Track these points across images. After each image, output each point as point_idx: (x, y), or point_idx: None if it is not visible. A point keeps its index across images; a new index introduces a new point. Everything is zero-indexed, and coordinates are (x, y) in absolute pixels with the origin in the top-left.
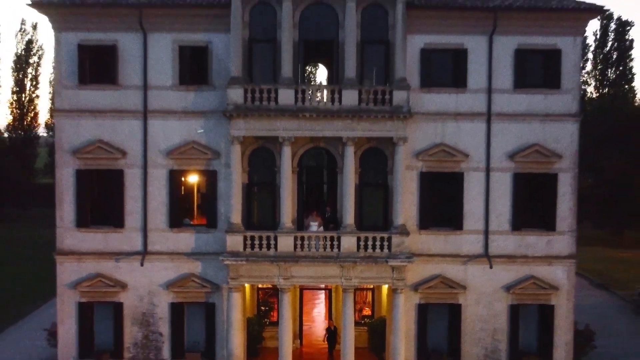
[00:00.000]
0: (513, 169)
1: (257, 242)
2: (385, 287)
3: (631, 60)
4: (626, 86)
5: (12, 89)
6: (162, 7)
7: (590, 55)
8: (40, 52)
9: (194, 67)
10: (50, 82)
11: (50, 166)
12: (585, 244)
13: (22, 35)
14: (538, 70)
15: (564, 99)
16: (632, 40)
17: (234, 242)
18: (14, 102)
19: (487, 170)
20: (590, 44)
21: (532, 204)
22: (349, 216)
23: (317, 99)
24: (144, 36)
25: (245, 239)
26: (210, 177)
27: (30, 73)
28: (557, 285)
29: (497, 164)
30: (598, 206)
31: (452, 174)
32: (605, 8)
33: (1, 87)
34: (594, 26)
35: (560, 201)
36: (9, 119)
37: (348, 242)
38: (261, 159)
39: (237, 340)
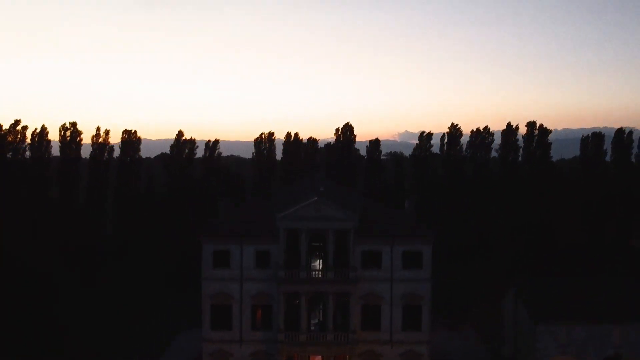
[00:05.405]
0: (402, 303)
1: (291, 336)
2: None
3: (550, 158)
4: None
5: (88, 177)
6: (250, 236)
7: (521, 152)
8: (111, 152)
9: (263, 259)
10: (117, 172)
11: (117, 235)
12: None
13: (96, 138)
14: (412, 260)
15: (424, 273)
16: (550, 143)
17: (281, 336)
18: (90, 188)
19: (391, 305)
20: (520, 145)
21: (411, 318)
22: (330, 323)
23: (317, 274)
24: (241, 247)
25: (286, 335)
26: (269, 307)
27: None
28: (422, 354)
29: (396, 301)
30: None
31: (376, 305)
32: (436, 236)
33: (82, 179)
34: (522, 130)
35: (423, 317)
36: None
37: (330, 336)
38: (291, 299)
39: None
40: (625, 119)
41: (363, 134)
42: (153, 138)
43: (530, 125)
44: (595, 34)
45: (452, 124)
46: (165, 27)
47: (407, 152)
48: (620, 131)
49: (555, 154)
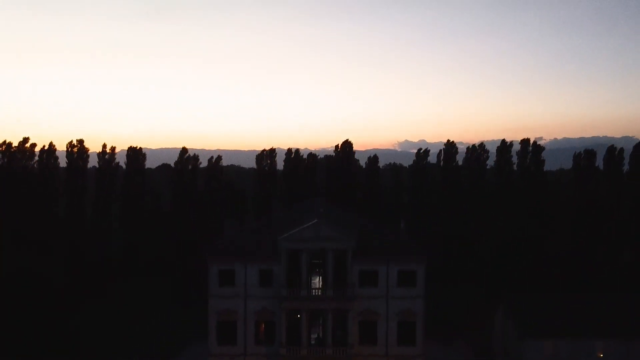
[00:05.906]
0: (397, 319)
1: (292, 351)
2: None
3: (544, 174)
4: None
5: (95, 192)
6: (254, 256)
7: (515, 167)
8: (116, 168)
9: (266, 278)
10: (121, 187)
11: (123, 248)
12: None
13: (102, 155)
14: (407, 278)
15: (417, 290)
16: (543, 160)
17: (283, 351)
18: (97, 202)
19: (387, 320)
20: (514, 162)
21: (406, 333)
22: (329, 338)
23: (317, 292)
24: (245, 267)
25: (287, 349)
26: (272, 323)
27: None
28: None
29: (391, 317)
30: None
31: (373, 321)
32: (428, 254)
33: (87, 193)
34: (516, 147)
35: (417, 332)
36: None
37: (329, 350)
38: (293, 315)
39: None
40: (626, 129)
41: (364, 143)
42: (154, 147)
43: (525, 142)
44: (596, 41)
45: (448, 140)
46: (166, 38)
47: (407, 162)
48: (612, 148)
49: (555, 164)
